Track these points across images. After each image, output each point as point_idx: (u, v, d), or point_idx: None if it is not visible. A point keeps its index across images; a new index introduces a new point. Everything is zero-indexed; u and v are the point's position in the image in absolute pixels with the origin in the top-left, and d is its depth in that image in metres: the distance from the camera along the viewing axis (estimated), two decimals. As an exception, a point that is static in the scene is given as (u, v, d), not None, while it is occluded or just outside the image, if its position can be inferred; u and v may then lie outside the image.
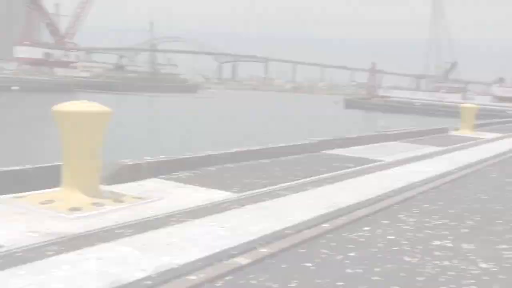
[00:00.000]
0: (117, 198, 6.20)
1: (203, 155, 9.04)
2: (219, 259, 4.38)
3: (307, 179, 8.20)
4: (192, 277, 3.98)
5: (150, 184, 7.37)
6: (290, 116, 56.10)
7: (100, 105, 6.17)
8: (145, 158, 8.13)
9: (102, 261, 4.14)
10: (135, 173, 7.54)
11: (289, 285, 4.02)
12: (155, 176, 7.76)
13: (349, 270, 4.44)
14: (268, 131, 36.42)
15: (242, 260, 4.41)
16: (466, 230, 5.95)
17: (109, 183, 6.98)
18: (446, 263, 4.77)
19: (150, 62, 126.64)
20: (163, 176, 7.83)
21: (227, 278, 4.08)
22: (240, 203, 6.38)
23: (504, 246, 5.38)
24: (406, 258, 4.85)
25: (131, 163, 7.60)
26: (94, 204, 5.81)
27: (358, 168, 9.66)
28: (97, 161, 6.17)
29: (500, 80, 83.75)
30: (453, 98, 74.69)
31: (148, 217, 5.49)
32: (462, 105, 21.43)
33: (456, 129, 20.25)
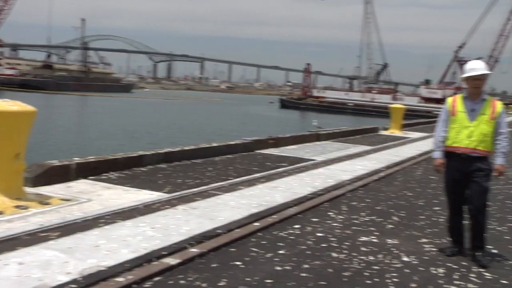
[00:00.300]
0: (43, 201, 5.98)
1: (135, 155, 8.88)
2: (148, 260, 4.33)
3: (240, 179, 8.25)
4: (120, 279, 3.91)
5: (79, 186, 7.16)
6: (224, 116, 56.10)
7: (23, 104, 5.92)
8: (73, 159, 7.89)
9: (24, 266, 3.98)
10: (63, 174, 7.30)
11: (218, 284, 4.04)
12: (84, 177, 7.55)
13: (278, 268, 4.51)
14: (201, 131, 36.27)
15: (172, 261, 4.38)
16: (391, 226, 6.18)
17: (36, 185, 6.73)
18: (371, 258, 4.95)
19: (82, 60, 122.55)
20: (93, 177, 7.63)
21: (156, 279, 4.05)
22: (171, 203, 6.32)
23: (425, 240, 5.64)
24: (334, 254, 4.98)
25: (58, 164, 7.35)
26: (17, 207, 5.58)
27: (290, 167, 9.81)
28: (20, 162, 5.93)
29: (427, 82, 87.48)
30: (384, 99, 77.33)
31: (75, 220, 5.33)
32: (391, 105, 22.20)
33: (386, 129, 21.01)
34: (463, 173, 4.96)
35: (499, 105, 5.04)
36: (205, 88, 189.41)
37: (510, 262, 5.11)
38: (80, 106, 63.98)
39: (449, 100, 5.22)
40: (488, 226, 6.35)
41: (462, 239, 5.20)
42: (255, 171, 9.23)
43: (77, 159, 7.82)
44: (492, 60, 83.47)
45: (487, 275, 4.69)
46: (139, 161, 8.79)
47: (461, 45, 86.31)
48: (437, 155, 5.18)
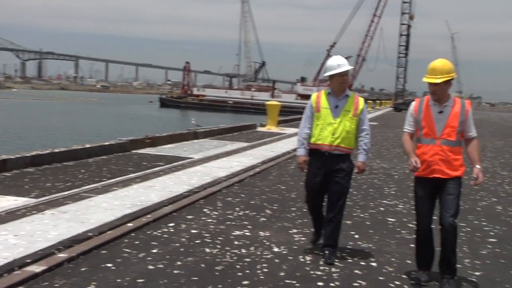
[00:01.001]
0: None
1: (-3, 160, 8.28)
2: (10, 270, 4.09)
3: (114, 180, 8.04)
4: (-23, 292, 3.65)
5: None
6: (101, 117, 54.13)
7: None
8: None
9: None
10: None
11: (87, 289, 3.92)
12: None
13: (150, 267, 4.49)
14: (76, 132, 34.68)
15: (36, 268, 4.18)
16: (264, 219, 6.41)
17: None
18: (243, 251, 5.09)
19: None
20: None
21: (18, 289, 3.83)
22: (39, 208, 6.00)
23: (295, 231, 5.92)
24: (207, 250, 5.06)
25: None
26: None
27: (167, 166, 9.75)
28: None
29: (302, 80, 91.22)
30: (263, 96, 79.38)
31: None
32: (267, 102, 22.86)
33: (263, 125, 21.61)
34: (325, 171, 4.90)
35: (361, 102, 5.00)
36: (81, 87, 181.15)
37: (364, 245, 5.53)
38: None
39: (313, 96, 5.10)
40: (352, 214, 6.86)
41: (320, 230, 5.25)
42: (131, 171, 9.06)
43: None
44: (360, 59, 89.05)
45: (349, 258, 5.04)
46: (2, 165, 8.22)
47: (332, 44, 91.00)
48: (301, 152, 5.06)
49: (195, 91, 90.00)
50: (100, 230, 5.33)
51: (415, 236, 4.61)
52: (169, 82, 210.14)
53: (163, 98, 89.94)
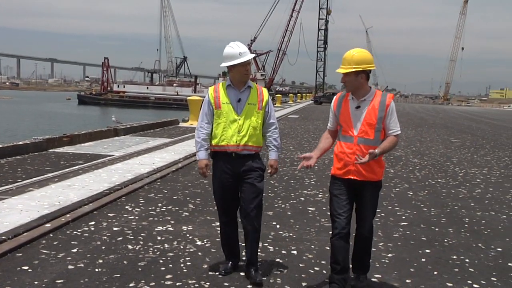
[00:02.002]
0: None
1: None
2: None
3: (30, 180, 7.73)
4: None
5: None
6: (14, 115, 51.53)
7: None
8: None
9: None
10: None
11: (2, 293, 3.78)
12: None
13: (70, 267, 4.39)
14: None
15: None
16: (187, 214, 6.42)
17: None
18: (166, 246, 5.09)
19: None
20: None
21: None
22: None
23: (217, 223, 5.97)
24: (130, 246, 5.01)
25: None
26: None
27: (87, 164, 9.50)
28: None
29: (224, 74, 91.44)
30: (185, 92, 78.78)
31: None
32: (189, 98, 22.74)
33: (185, 121, 21.49)
34: (234, 175, 4.25)
35: (265, 93, 4.42)
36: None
37: (285, 234, 5.70)
38: None
39: (210, 90, 4.38)
40: (274, 205, 7.02)
41: (237, 250, 4.51)
42: (48, 171, 8.74)
43: None
44: (280, 53, 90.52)
45: (271, 248, 5.17)
46: None
47: (253, 38, 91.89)
48: (202, 155, 4.34)
49: (115, 88, 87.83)
50: (15, 232, 5.13)
51: (330, 242, 4.10)
52: (87, 79, 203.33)
53: (82, 95, 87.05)
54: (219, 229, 5.22)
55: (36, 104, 76.92)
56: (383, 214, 6.70)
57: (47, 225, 5.51)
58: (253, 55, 4.35)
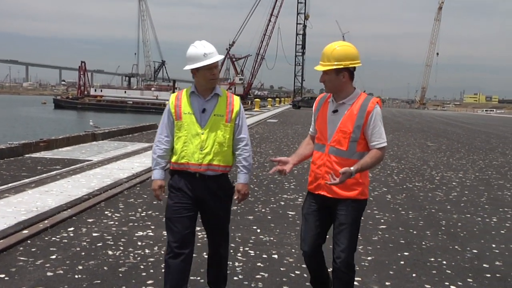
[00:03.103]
0: None
1: None
2: None
3: (5, 186, 7.62)
4: None
5: None
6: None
7: None
8: None
9: None
10: None
11: (-21, 301, 3.72)
12: None
13: (49, 273, 4.34)
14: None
15: None
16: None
17: None
18: (147, 251, 5.08)
19: None
20: None
21: None
22: None
23: (198, 228, 5.95)
24: (110, 252, 4.98)
25: None
26: None
27: (65, 169, 9.39)
28: None
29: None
30: (163, 96, 78.35)
31: None
32: (167, 102, 22.64)
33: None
34: (195, 200, 3.59)
35: (237, 102, 3.72)
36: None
37: (266, 238, 5.73)
38: None
39: (172, 97, 3.72)
40: (254, 209, 7.04)
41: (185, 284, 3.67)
42: (24, 176, 8.62)
43: None
44: (259, 57, 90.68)
45: (251, 252, 5.19)
46: None
47: (231, 43, 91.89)
48: (157, 175, 3.69)
49: (93, 92, 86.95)
50: (-8, 239, 5.05)
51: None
52: (63, 83, 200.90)
53: (58, 99, 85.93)
54: (199, 234, 5.19)
55: (10, 108, 75.67)
56: (362, 218, 6.74)
57: (25, 231, 5.44)
58: (221, 57, 3.66)
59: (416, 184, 9.76)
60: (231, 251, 5.17)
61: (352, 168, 3.24)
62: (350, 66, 3.35)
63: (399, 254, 5.30)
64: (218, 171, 3.61)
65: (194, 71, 3.58)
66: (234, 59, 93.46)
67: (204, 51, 3.54)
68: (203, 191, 3.59)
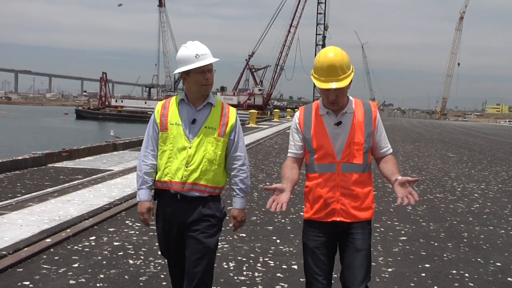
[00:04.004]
0: None
1: None
2: None
3: (29, 195, 7.74)
4: None
5: None
6: (12, 130, 51.52)
7: None
8: None
9: None
10: None
11: (4, 308, 3.79)
12: None
13: (72, 282, 4.40)
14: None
15: None
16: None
17: None
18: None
19: None
20: None
21: None
22: None
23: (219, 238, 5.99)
24: (131, 261, 5.03)
25: None
26: None
27: (86, 179, 9.52)
28: None
29: (222, 89, 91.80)
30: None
31: None
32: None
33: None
34: (179, 225, 3.13)
35: (233, 114, 3.27)
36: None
37: (286, 249, 5.72)
38: None
39: (158, 105, 3.28)
40: (274, 220, 7.03)
41: None
42: (47, 185, 8.76)
43: None
44: (278, 68, 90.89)
45: (271, 263, 5.19)
46: None
47: (251, 54, 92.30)
48: (143, 196, 3.22)
49: (113, 102, 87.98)
50: (16, 247, 5.14)
51: None
52: (85, 93, 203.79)
53: (79, 110, 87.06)
54: (219, 244, 5.23)
55: (33, 118, 76.95)
56: (382, 229, 6.73)
57: (48, 240, 5.53)
58: (215, 59, 3.17)
59: (437, 195, 9.65)
60: (251, 261, 5.18)
61: (399, 177, 2.96)
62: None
63: (420, 266, 5.24)
64: (205, 192, 3.11)
65: (184, 75, 3.16)
66: (253, 70, 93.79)
67: (196, 52, 3.11)
68: (186, 215, 3.09)
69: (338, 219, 2.95)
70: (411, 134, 33.47)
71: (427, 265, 5.28)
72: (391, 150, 3.13)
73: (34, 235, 5.59)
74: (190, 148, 3.09)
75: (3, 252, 4.96)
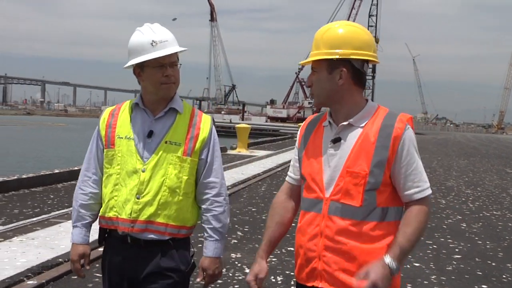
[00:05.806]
0: None
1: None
2: (-22, 298, 4.03)
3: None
4: None
5: None
6: (69, 141, 53.37)
7: None
8: None
9: None
10: None
11: (58, 315, 3.89)
12: None
13: None
14: (43, 158, 34.11)
15: (5, 296, 4.12)
16: (236, 241, 6.45)
17: None
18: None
19: None
20: None
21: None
22: (6, 236, 5.93)
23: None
24: (180, 273, 5.05)
25: None
26: None
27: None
28: None
29: (272, 102, 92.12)
30: (233, 119, 79.65)
31: None
32: (237, 125, 23.01)
33: (233, 148, 21.69)
34: (129, 280, 2.33)
35: (207, 123, 2.40)
36: (48, 112, 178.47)
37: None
38: None
39: (105, 113, 2.45)
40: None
41: None
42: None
43: None
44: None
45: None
46: (-31, 192, 8.06)
47: (301, 67, 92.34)
48: (76, 236, 2.48)
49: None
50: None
51: None
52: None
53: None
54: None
55: (89, 130, 79.47)
56: (435, 246, 6.52)
57: (101, 249, 5.64)
58: (180, 49, 2.35)
59: (494, 212, 9.29)
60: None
61: (387, 257, 1.87)
62: (353, 57, 1.97)
63: (476, 287, 5.04)
64: (165, 234, 2.27)
65: (138, 70, 2.31)
66: (303, 83, 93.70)
67: (153, 38, 2.26)
68: (137, 267, 2.28)
69: (319, 286, 1.99)
70: (465, 149, 32.48)
71: (484, 286, 5.08)
72: (423, 194, 1.97)
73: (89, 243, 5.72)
74: (143, 171, 2.25)
75: (59, 260, 5.12)
